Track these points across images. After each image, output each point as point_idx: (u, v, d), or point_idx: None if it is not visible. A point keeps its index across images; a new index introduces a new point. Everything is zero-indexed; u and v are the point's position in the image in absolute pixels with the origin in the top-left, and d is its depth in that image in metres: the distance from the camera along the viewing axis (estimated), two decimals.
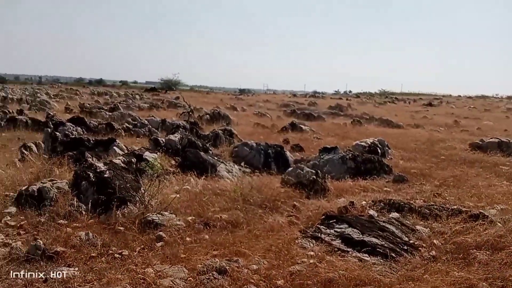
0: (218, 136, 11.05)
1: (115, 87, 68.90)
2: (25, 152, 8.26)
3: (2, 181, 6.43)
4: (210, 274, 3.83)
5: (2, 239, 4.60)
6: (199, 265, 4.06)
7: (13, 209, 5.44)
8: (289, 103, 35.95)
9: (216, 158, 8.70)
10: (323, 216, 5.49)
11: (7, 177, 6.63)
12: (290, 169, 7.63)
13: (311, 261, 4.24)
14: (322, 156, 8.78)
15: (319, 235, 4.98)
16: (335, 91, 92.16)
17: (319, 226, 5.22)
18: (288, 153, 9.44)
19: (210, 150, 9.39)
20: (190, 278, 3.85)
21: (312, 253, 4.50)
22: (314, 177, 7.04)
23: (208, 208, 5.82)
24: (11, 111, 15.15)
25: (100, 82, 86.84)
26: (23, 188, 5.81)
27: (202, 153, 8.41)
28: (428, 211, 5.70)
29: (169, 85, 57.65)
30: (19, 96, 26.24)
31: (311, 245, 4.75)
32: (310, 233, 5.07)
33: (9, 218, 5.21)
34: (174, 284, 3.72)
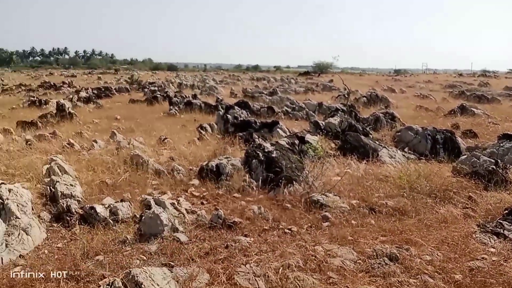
0: (378, 120, 10.67)
1: (270, 72, 72.28)
2: (202, 132, 9.31)
3: (186, 156, 7.39)
4: (381, 259, 3.77)
5: (189, 206, 5.31)
6: (368, 249, 4.03)
7: (196, 181, 6.22)
8: (455, 83, 32.45)
9: (377, 142, 8.43)
10: (506, 211, 4.87)
11: (190, 153, 7.59)
12: (463, 157, 6.93)
13: (494, 258, 3.82)
14: (501, 144, 7.72)
15: (502, 231, 4.45)
16: (510, 69, 79.17)
17: (501, 221, 4.65)
18: (459, 139, 8.57)
19: (371, 134, 9.14)
20: (360, 261, 3.86)
21: (493, 250, 4.05)
22: (494, 167, 6.26)
23: (372, 193, 5.71)
24: (187, 95, 17.19)
25: (256, 68, 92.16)
26: (204, 163, 6.57)
27: (362, 136, 8.25)
28: None
29: (321, 68, 57.82)
30: (191, 83, 29.67)
31: (492, 241, 4.28)
32: (491, 228, 4.56)
33: (193, 189, 5.97)
34: (344, 264, 3.77)
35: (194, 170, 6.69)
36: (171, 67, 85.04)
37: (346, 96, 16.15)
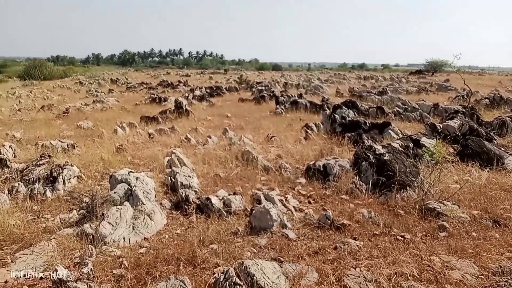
0: (504, 124, 9.59)
1: (377, 70, 69.39)
2: (308, 131, 9.32)
3: (293, 155, 7.47)
4: (509, 277, 3.39)
5: (297, 204, 5.36)
6: (492, 265, 3.66)
7: (303, 180, 6.25)
8: None
9: (503, 149, 7.59)
10: None
11: (296, 152, 7.65)
12: None
13: None
14: None
15: None
16: None
17: None
18: None
19: (495, 140, 8.26)
20: (482, 276, 3.52)
21: None
22: None
23: (497, 205, 5.17)
24: (292, 95, 17.35)
25: (362, 67, 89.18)
26: (311, 163, 6.57)
27: (485, 142, 7.49)
28: None
29: (435, 67, 53.76)
30: (296, 82, 29.85)
31: None
32: None
33: (300, 187, 6.01)
34: (464, 278, 3.48)
35: (300, 169, 6.73)
36: (276, 67, 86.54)
37: (466, 97, 14.81)
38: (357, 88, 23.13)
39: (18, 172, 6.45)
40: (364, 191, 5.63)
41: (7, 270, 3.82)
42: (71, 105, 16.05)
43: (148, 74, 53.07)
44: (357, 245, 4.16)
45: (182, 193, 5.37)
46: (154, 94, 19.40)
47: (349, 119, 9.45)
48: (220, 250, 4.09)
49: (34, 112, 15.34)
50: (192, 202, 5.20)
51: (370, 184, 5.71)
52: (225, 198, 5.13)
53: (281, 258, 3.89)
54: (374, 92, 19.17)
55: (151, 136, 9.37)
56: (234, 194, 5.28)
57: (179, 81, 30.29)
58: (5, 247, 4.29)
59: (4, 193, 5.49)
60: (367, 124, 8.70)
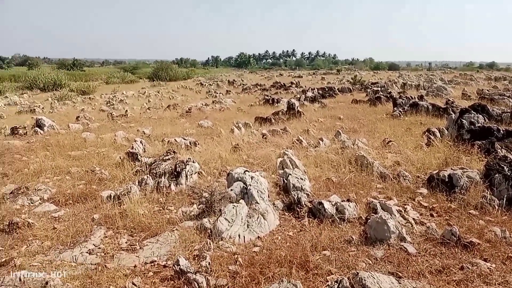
0: None
1: (510, 70, 61.63)
2: (430, 137, 8.62)
3: (413, 162, 6.97)
4: None
5: (417, 217, 4.98)
6: None
7: (424, 191, 5.78)
8: None
9: None
10: None
11: (417, 159, 7.13)
12: None
13: None
14: None
15: None
16: None
17: None
18: None
19: None
20: None
21: None
22: None
23: None
24: (412, 96, 16.29)
25: (492, 66, 79.74)
26: (434, 172, 6.06)
27: None
28: None
29: None
30: (415, 82, 27.97)
31: None
32: None
33: (421, 198, 5.57)
34: None
35: (421, 178, 6.25)
36: (392, 66, 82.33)
37: None
38: (487, 90, 20.80)
39: (147, 166, 7.12)
40: (496, 207, 5.00)
41: (136, 256, 4.22)
42: (193, 105, 17.26)
43: (262, 76, 54.73)
44: (488, 268, 3.70)
45: (294, 195, 5.36)
46: (267, 96, 19.89)
47: (479, 125, 8.50)
48: (333, 257, 3.99)
49: (161, 110, 16.87)
50: (304, 205, 5.16)
51: (505, 199, 5.05)
52: (338, 204, 4.99)
53: (399, 273, 3.63)
54: (508, 94, 17.02)
55: (265, 136, 9.59)
56: (348, 200, 5.11)
57: (291, 82, 30.61)
58: (135, 234, 4.75)
59: (135, 185, 6.09)
60: (501, 131, 7.72)
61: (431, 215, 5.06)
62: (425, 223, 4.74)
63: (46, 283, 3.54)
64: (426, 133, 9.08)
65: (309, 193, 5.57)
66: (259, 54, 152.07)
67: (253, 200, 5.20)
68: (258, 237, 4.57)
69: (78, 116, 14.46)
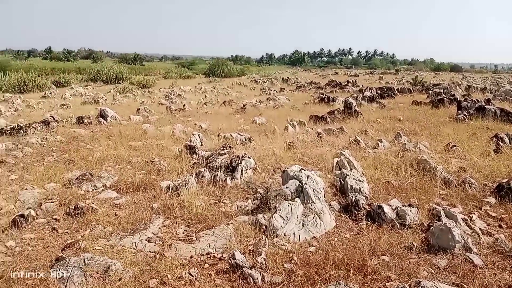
0: None
1: None
2: (499, 143, 8.08)
3: (480, 169, 6.56)
4: None
5: (484, 227, 4.67)
6: None
7: (492, 200, 5.42)
8: None
9: None
10: None
11: (484, 166, 6.70)
12: None
13: None
14: None
15: None
16: None
17: None
18: None
19: None
20: None
21: None
22: None
23: None
24: (478, 100, 15.37)
25: None
26: (503, 180, 5.65)
27: None
28: None
29: None
30: (481, 85, 26.38)
31: None
32: None
33: (488, 207, 5.22)
34: None
35: (489, 186, 5.86)
36: (455, 68, 78.37)
37: None
38: None
39: (204, 159, 7.25)
40: None
41: (193, 247, 4.30)
42: (248, 102, 17.39)
43: (316, 74, 54.15)
44: None
45: (352, 197, 5.23)
46: (322, 94, 19.61)
47: None
48: (392, 263, 3.83)
49: (217, 106, 17.16)
50: (362, 208, 5.01)
51: None
52: (398, 208, 4.79)
53: (465, 286, 3.42)
54: None
55: (320, 135, 9.45)
56: (409, 205, 4.89)
57: (348, 81, 29.98)
58: (191, 225, 4.85)
59: (192, 177, 6.22)
60: None
61: (500, 226, 4.72)
62: (493, 234, 4.44)
63: (108, 267, 3.69)
64: (494, 138, 8.52)
65: (367, 196, 5.40)
66: (314, 52, 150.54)
67: (308, 199, 5.12)
68: (314, 237, 4.49)
69: (139, 109, 15.04)
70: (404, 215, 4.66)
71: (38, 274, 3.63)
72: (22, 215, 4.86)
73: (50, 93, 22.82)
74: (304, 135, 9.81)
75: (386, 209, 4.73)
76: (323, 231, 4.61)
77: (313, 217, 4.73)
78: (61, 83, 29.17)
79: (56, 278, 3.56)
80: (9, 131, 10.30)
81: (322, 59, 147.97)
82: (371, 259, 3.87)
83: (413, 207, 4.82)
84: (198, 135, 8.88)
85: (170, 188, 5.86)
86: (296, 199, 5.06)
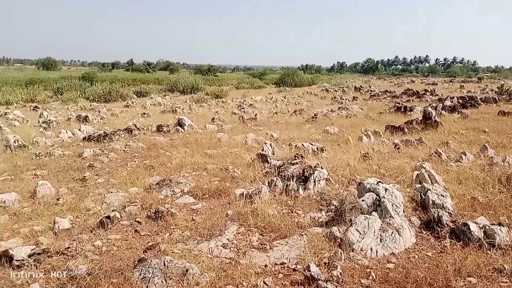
0: None
1: None
2: None
3: None
4: None
5: None
6: None
7: None
8: None
9: None
10: None
11: None
12: None
13: None
14: None
15: None
16: None
17: None
18: None
19: None
20: None
21: None
22: None
23: None
24: None
25: None
26: None
27: None
28: None
29: None
30: None
31: None
32: None
33: None
34: None
35: None
36: None
37: None
38: None
39: (276, 168, 7.29)
40: None
41: (267, 256, 4.31)
42: (319, 111, 17.23)
43: (391, 82, 52.33)
44: None
45: (434, 213, 4.93)
46: (398, 103, 18.84)
47: None
48: (479, 286, 3.56)
49: (287, 115, 17.21)
50: (445, 225, 4.71)
51: None
52: (486, 227, 4.43)
53: None
54: None
55: (397, 146, 9.06)
56: (499, 224, 4.50)
57: (425, 90, 28.50)
58: (265, 234, 4.87)
59: (265, 185, 6.27)
60: None
61: None
62: None
63: (186, 270, 3.82)
64: None
65: (451, 212, 5.06)
66: (387, 59, 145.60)
67: (387, 214, 4.92)
68: (392, 253, 4.30)
69: (213, 118, 15.54)
70: (493, 235, 4.29)
71: (122, 273, 3.85)
72: (108, 217, 5.21)
73: (132, 102, 24.42)
74: (379, 146, 9.48)
75: (473, 227, 4.39)
76: (402, 247, 4.40)
77: (392, 233, 4.54)
78: (141, 93, 31.14)
79: (138, 278, 3.76)
80: (96, 138, 11.16)
81: (397, 67, 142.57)
82: (456, 280, 3.61)
83: (503, 226, 4.43)
84: (270, 144, 8.96)
85: (244, 195, 5.95)
86: (373, 213, 4.88)
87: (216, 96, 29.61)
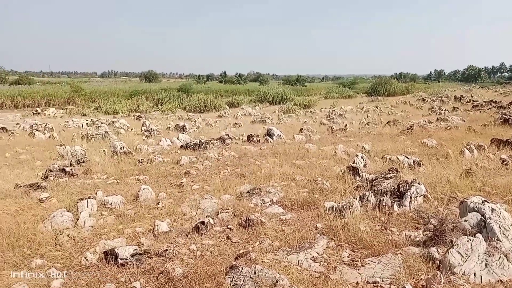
0: None
1: None
2: None
3: None
4: None
5: None
6: None
7: None
8: None
9: None
10: None
11: None
12: None
13: None
14: None
15: None
16: None
17: None
18: None
19: None
20: None
21: None
22: None
23: None
24: None
25: None
26: None
27: None
28: None
29: None
30: None
31: None
32: None
33: None
34: None
35: None
36: None
37: None
38: None
39: (368, 182, 7.03)
40: None
41: (358, 273, 4.16)
42: (415, 122, 16.32)
43: (496, 92, 47.85)
44: None
45: None
46: (505, 114, 17.13)
47: None
48: None
49: (380, 126, 16.57)
50: None
51: None
52: None
53: None
54: None
55: (504, 162, 8.23)
56: None
57: None
58: (356, 250, 4.72)
59: (356, 200, 6.08)
60: None
61: None
62: None
63: (277, 281, 3.84)
64: None
65: None
66: (492, 67, 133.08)
67: (493, 236, 4.47)
68: (500, 280, 3.90)
69: (302, 128, 15.55)
70: None
71: (215, 279, 3.99)
72: (202, 222, 5.45)
73: (225, 113, 25.46)
74: (484, 161, 8.69)
75: None
76: (511, 275, 3.96)
77: (499, 258, 4.11)
78: (233, 104, 32.34)
79: (230, 284, 3.87)
80: (192, 146, 11.80)
81: (503, 74, 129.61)
82: None
83: None
84: (362, 157, 8.69)
85: (334, 209, 5.83)
86: (478, 234, 4.47)
87: (304, 106, 29.63)
